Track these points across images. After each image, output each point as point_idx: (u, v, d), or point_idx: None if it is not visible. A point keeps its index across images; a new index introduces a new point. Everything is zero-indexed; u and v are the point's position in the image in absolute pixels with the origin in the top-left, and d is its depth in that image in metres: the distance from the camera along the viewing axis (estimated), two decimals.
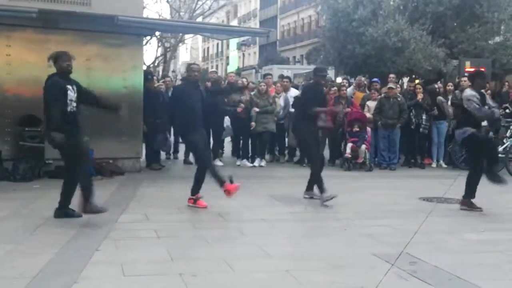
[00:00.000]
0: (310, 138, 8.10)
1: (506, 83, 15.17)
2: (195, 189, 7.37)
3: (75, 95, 6.28)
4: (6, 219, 6.54)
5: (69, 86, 6.23)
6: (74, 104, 6.25)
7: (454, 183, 9.29)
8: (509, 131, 11.75)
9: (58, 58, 6.29)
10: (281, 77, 14.28)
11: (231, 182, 7.06)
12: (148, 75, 12.06)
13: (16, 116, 9.58)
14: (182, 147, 12.88)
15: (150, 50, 52.99)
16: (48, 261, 4.89)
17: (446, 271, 4.87)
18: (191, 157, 12.22)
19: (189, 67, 7.79)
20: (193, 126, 7.35)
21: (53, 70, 6.44)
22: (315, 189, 7.93)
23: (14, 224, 6.31)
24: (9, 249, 5.28)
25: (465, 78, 13.52)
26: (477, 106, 7.34)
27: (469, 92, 7.59)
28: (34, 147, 9.44)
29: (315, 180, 7.85)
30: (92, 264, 4.87)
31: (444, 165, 12.50)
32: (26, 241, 5.61)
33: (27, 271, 4.57)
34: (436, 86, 13.49)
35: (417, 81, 14.62)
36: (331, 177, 10.58)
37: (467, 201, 7.62)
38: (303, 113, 8.11)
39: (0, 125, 9.53)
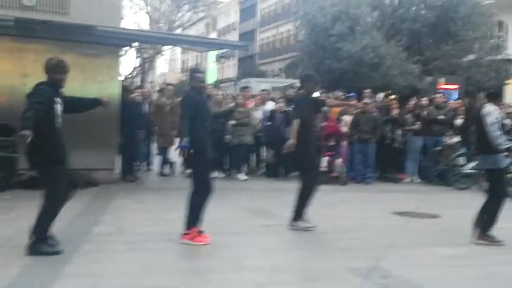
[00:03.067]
0: (309, 156, 7.25)
1: (470, 101, 15.37)
2: (194, 220, 6.13)
3: (62, 109, 5.67)
4: None
5: (57, 99, 5.57)
6: (60, 120, 5.63)
7: (427, 197, 9.41)
8: None
9: (54, 68, 5.59)
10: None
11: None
12: (125, 86, 12.03)
13: None
14: (157, 159, 12.83)
15: (128, 61, 52.74)
16: (17, 274, 4.80)
17: (418, 285, 4.91)
18: (167, 169, 12.21)
19: (193, 76, 6.51)
20: (207, 144, 6.26)
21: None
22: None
23: None
24: None
25: (440, 95, 13.78)
26: (498, 132, 6.63)
27: (492, 108, 6.78)
28: (6, 157, 9.29)
29: (303, 202, 7.05)
30: (63, 277, 4.79)
31: (417, 180, 12.63)
32: None
33: None
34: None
35: (392, 96, 14.75)
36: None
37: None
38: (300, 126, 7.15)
39: None
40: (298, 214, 7.01)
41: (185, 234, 6.04)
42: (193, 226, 6.06)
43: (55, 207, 5.47)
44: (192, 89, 6.43)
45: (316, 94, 8.21)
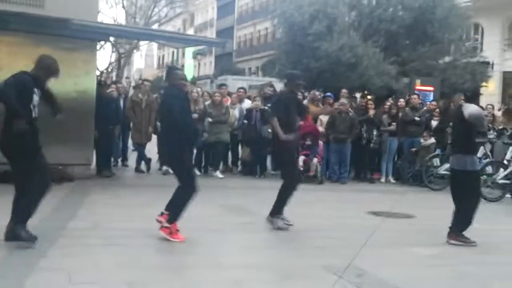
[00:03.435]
0: (291, 154, 7.37)
1: (445, 102, 15.59)
2: (176, 215, 6.15)
3: (38, 100, 5.68)
4: None
5: (36, 90, 5.62)
6: (37, 110, 5.65)
7: (402, 198, 9.54)
8: None
9: (47, 67, 5.70)
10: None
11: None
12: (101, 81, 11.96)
13: None
14: (133, 155, 12.78)
15: (104, 56, 52.17)
16: None
17: (392, 284, 4.96)
18: (143, 165, 12.18)
19: (173, 73, 6.52)
20: (189, 143, 6.42)
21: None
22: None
23: None
24: None
25: (415, 96, 13.97)
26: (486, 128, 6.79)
27: (476, 108, 6.93)
28: None
29: (284, 200, 7.11)
30: (37, 271, 4.78)
31: (392, 180, 12.78)
32: None
33: None
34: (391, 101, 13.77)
35: (369, 97, 14.90)
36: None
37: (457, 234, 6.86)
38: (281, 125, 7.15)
39: None
40: (277, 210, 7.07)
41: (165, 227, 6.05)
42: (174, 222, 6.08)
43: (34, 199, 5.51)
44: (172, 87, 6.41)
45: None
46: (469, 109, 6.78)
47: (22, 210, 5.49)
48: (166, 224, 6.05)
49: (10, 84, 5.38)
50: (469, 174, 6.80)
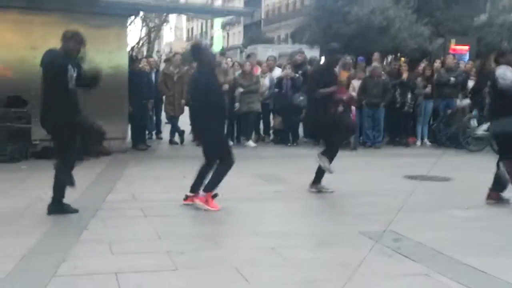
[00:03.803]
0: (331, 124, 7.18)
1: (482, 62, 15.25)
2: (213, 185, 6.24)
3: (75, 74, 5.73)
4: None
5: (69, 65, 5.68)
6: (74, 82, 5.71)
7: (439, 161, 9.40)
8: None
9: (71, 38, 5.76)
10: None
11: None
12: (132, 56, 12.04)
13: (1, 98, 9.49)
14: (167, 128, 12.89)
15: (134, 31, 52.36)
16: (36, 241, 4.91)
17: (430, 247, 4.92)
18: (177, 137, 12.29)
19: (201, 53, 6.45)
20: (221, 118, 6.56)
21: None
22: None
23: (3, 204, 6.29)
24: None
25: (450, 56, 13.68)
26: None
27: (503, 69, 6.59)
28: (21, 128, 9.41)
29: (331, 157, 7.15)
30: (81, 242, 4.90)
31: (428, 143, 12.64)
32: (15, 221, 5.61)
33: (16, 251, 4.59)
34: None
35: (402, 59, 14.67)
36: (315, 156, 10.70)
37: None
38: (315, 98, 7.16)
39: None
40: (318, 178, 7.12)
41: (201, 196, 6.16)
42: (210, 191, 6.16)
43: (66, 170, 5.69)
44: (203, 68, 6.35)
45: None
46: (498, 71, 6.58)
47: (57, 185, 5.73)
48: (202, 193, 6.15)
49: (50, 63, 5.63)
50: (507, 135, 6.59)
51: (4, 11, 9.63)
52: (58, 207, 5.76)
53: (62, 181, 5.71)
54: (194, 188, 6.29)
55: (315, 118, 7.38)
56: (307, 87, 7.98)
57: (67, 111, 5.62)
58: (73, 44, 5.73)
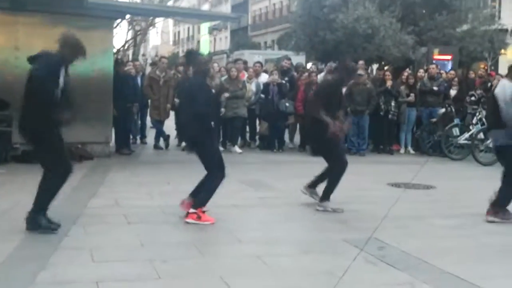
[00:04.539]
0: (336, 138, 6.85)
1: (471, 72, 15.37)
2: (205, 201, 5.98)
3: (63, 82, 5.35)
4: None
5: (62, 71, 5.32)
6: (59, 93, 5.28)
7: (422, 169, 9.41)
8: (475, 118, 11.93)
9: (74, 46, 5.35)
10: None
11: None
12: (118, 59, 11.95)
13: None
14: (151, 132, 12.79)
15: (120, 33, 52.16)
16: (15, 247, 4.80)
17: (414, 256, 4.92)
18: (161, 142, 12.20)
19: (196, 58, 6.32)
20: (210, 129, 6.25)
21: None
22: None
23: None
24: None
25: (433, 66, 13.75)
26: None
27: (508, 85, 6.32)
28: (1, 131, 9.25)
29: (334, 183, 6.72)
30: (61, 250, 4.80)
31: (412, 151, 12.68)
32: None
33: None
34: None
35: (386, 67, 14.71)
36: (301, 162, 10.70)
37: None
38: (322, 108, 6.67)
39: None
40: (327, 195, 6.69)
41: (192, 213, 5.86)
42: (201, 207, 5.91)
43: (56, 183, 5.32)
44: (197, 75, 6.19)
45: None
46: (498, 89, 6.39)
47: (43, 197, 5.31)
48: (192, 210, 5.88)
49: (45, 69, 5.13)
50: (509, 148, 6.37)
51: None
52: (36, 219, 5.22)
53: (54, 194, 5.35)
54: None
55: (314, 132, 7.02)
56: (310, 100, 7.61)
57: (49, 118, 5.20)
58: (72, 53, 5.35)
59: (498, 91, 6.37)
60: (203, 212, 5.89)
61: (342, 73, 7.10)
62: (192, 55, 6.53)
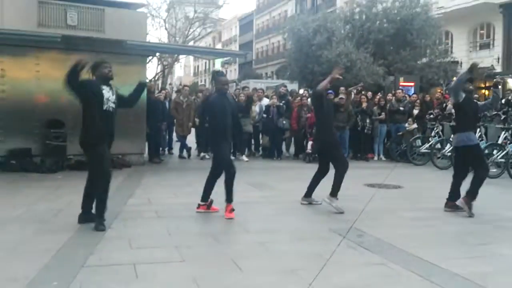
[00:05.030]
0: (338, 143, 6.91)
1: (427, 95, 15.32)
2: (207, 195, 6.06)
3: (113, 96, 5.23)
4: (35, 203, 6.41)
5: (104, 87, 5.18)
6: (110, 104, 5.16)
7: (392, 172, 9.39)
8: (433, 131, 11.91)
9: (99, 66, 5.26)
10: (255, 90, 14.24)
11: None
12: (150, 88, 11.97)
13: (43, 120, 9.38)
14: (176, 145, 12.79)
15: (152, 67, 52.37)
16: (69, 237, 4.81)
17: (386, 242, 4.92)
18: (184, 153, 12.20)
19: (218, 79, 6.01)
20: (224, 137, 5.94)
21: None
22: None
23: (42, 207, 6.18)
24: (37, 227, 5.19)
25: (399, 91, 13.73)
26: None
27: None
28: (58, 145, 9.29)
29: (340, 180, 6.49)
30: (105, 239, 4.80)
31: (383, 158, 12.62)
32: (52, 221, 5.51)
33: (53, 245, 4.48)
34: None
35: (363, 92, 14.68)
36: (296, 168, 10.69)
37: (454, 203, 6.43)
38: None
39: (30, 127, 9.33)
40: (335, 191, 6.46)
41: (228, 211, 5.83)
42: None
43: (104, 184, 5.14)
44: (217, 92, 6.04)
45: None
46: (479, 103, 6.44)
47: (99, 204, 5.17)
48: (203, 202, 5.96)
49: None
50: (470, 148, 6.28)
51: (48, 51, 9.55)
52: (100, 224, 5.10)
53: (103, 194, 5.16)
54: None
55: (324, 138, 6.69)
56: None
57: (99, 132, 5.10)
58: (103, 69, 5.23)
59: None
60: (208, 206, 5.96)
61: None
62: (215, 75, 6.21)
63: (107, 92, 5.18)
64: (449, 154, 10.74)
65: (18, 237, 4.81)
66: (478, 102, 6.67)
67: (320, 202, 6.64)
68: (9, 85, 9.31)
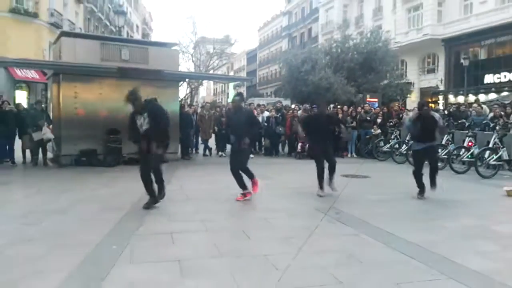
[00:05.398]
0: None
1: (385, 108, 15.25)
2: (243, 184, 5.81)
3: (145, 121, 5.04)
4: (98, 189, 6.46)
5: (138, 116, 5.07)
6: (144, 127, 5.05)
7: (361, 166, 9.36)
8: (393, 135, 11.85)
9: (132, 100, 5.07)
10: (258, 105, 14.26)
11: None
12: (181, 104, 12.01)
13: (105, 129, 9.43)
14: (201, 146, 12.81)
15: (182, 89, 52.41)
16: (124, 214, 4.85)
17: (358, 218, 4.90)
18: (207, 152, 12.21)
19: (242, 98, 6.05)
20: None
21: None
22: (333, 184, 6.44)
23: (105, 192, 6.24)
24: (101, 206, 5.24)
25: (367, 105, 13.71)
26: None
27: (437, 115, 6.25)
28: (116, 147, 9.35)
29: (334, 171, 6.41)
30: (150, 215, 4.84)
31: (355, 156, 12.56)
32: (112, 201, 5.54)
33: (112, 220, 4.54)
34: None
35: (339, 106, 14.66)
36: (289, 163, 10.67)
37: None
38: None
39: (97, 135, 9.37)
40: (332, 179, 6.36)
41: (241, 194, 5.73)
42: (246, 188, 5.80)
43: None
44: (242, 107, 6.00)
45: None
46: (436, 115, 6.22)
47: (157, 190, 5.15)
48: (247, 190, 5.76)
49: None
50: (431, 149, 6.18)
51: (108, 79, 9.60)
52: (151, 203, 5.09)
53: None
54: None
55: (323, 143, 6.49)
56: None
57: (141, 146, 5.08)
58: (133, 102, 5.05)
59: (436, 116, 6.12)
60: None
61: (322, 109, 6.87)
62: (241, 96, 6.07)
63: (138, 120, 5.06)
64: (405, 152, 10.70)
65: (86, 213, 4.86)
66: (437, 117, 6.17)
67: (323, 195, 6.21)
68: (80, 103, 9.40)
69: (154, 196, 5.15)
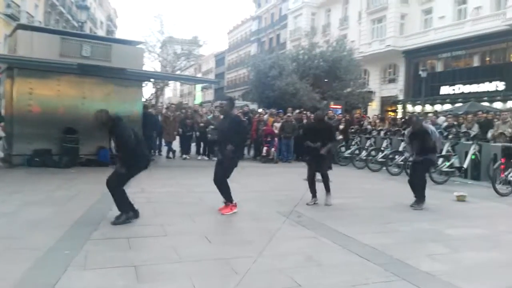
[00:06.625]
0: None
1: (347, 115, 15.73)
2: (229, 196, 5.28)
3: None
4: (53, 191, 6.16)
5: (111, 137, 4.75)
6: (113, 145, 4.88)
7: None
8: (353, 141, 12.13)
9: (103, 124, 4.55)
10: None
11: None
12: (145, 105, 11.74)
13: (61, 128, 9.01)
14: (164, 148, 12.57)
15: (147, 90, 51.22)
16: (79, 216, 4.62)
17: (318, 221, 4.95)
18: (170, 154, 12.00)
19: (233, 104, 5.57)
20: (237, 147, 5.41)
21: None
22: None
23: (59, 193, 5.97)
24: (54, 209, 5.00)
25: (331, 111, 14.03)
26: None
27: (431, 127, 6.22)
28: (72, 147, 8.96)
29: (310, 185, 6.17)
30: (107, 219, 4.65)
31: None
32: (67, 204, 5.32)
33: (66, 223, 4.31)
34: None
35: (304, 112, 14.91)
36: (254, 167, 10.67)
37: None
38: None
39: (52, 133, 8.94)
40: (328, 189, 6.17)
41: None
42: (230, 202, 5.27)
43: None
44: (231, 114, 5.54)
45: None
46: (430, 128, 6.19)
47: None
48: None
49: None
50: (423, 162, 6.15)
51: (66, 75, 9.21)
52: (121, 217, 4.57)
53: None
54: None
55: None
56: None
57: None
58: (100, 127, 4.60)
59: (431, 129, 6.10)
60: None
61: (320, 117, 6.48)
62: (231, 101, 5.56)
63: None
64: (364, 158, 10.99)
65: (39, 216, 4.61)
66: (429, 130, 6.06)
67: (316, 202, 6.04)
68: (35, 100, 8.93)
69: (127, 211, 4.61)
